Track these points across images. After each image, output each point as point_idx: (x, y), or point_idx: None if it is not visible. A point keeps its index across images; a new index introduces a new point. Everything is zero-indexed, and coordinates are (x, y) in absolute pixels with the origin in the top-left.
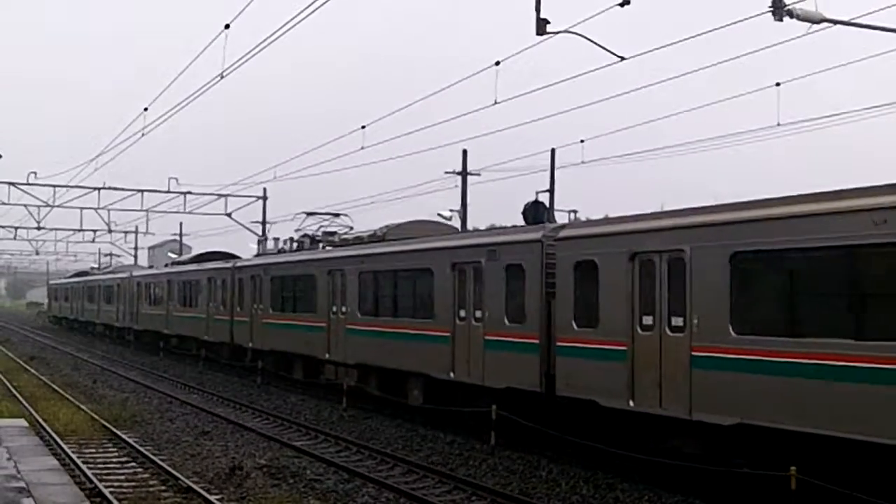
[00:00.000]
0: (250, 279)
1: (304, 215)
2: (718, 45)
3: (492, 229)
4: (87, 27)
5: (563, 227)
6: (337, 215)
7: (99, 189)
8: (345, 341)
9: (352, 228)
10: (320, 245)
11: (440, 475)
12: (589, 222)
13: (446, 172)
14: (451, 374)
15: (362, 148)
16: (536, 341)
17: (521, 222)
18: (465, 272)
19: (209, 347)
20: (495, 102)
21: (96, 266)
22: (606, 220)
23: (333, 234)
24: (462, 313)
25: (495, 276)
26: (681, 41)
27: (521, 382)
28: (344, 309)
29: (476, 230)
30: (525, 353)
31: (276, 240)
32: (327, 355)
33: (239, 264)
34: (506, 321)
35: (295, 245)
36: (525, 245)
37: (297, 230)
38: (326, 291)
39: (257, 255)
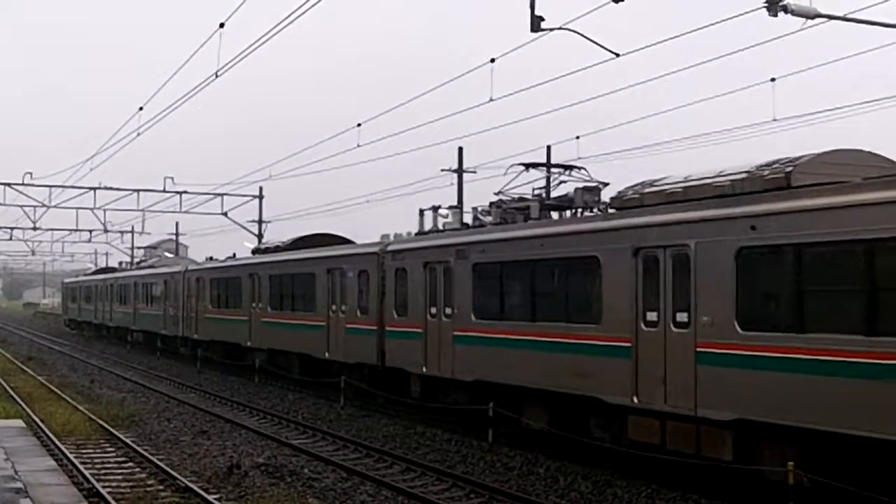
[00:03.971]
0: (423, 269)
1: (522, 168)
2: (713, 42)
3: None
4: (85, 27)
5: None
6: (570, 168)
7: (95, 189)
8: (686, 375)
9: (600, 185)
10: (573, 210)
11: (438, 473)
12: None
13: (442, 170)
14: None
15: (358, 146)
16: None
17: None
18: None
19: (334, 369)
20: (491, 100)
21: (120, 265)
22: None
23: (593, 189)
24: None
25: None
26: (676, 37)
27: None
28: (685, 317)
29: None
30: None
31: (451, 208)
32: (635, 399)
33: (395, 246)
34: None
35: (498, 216)
36: None
37: (497, 193)
38: (628, 286)
39: (422, 234)
